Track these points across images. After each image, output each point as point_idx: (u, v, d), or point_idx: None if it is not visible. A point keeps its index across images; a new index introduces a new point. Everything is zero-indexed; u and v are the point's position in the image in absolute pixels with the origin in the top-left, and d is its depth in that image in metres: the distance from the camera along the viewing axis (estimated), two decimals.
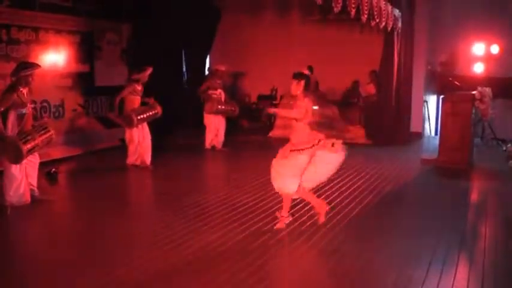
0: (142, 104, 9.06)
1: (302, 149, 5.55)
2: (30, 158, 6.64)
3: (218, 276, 4.60)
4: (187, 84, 13.72)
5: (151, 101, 9.13)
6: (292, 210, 6.56)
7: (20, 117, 6.48)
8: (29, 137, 6.40)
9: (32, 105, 6.76)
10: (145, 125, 9.08)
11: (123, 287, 4.43)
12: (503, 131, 11.60)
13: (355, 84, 13.58)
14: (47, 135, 6.70)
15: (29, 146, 6.35)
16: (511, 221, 6.42)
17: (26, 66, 6.63)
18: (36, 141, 6.48)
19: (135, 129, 8.93)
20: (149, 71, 8.98)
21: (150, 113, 9.02)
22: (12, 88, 6.45)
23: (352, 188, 7.74)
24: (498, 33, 12.15)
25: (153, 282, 4.49)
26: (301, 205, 6.77)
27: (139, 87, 9.00)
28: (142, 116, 8.89)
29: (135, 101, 8.96)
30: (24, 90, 6.50)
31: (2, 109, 6.32)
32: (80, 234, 5.83)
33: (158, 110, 9.06)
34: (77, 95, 10.60)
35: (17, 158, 6.36)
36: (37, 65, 6.79)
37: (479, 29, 12.02)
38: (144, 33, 11.57)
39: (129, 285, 4.45)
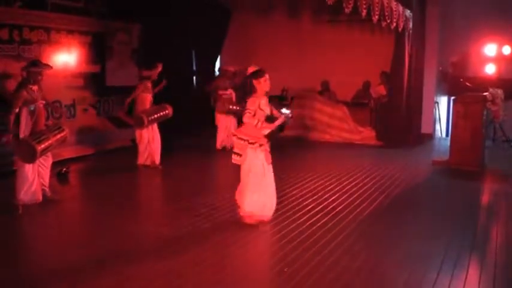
0: (154, 102, 9.11)
1: None
2: (43, 157, 6.67)
3: (227, 277, 4.61)
4: (197, 85, 13.73)
5: (164, 83, 9.19)
6: (302, 215, 6.56)
7: (31, 114, 6.52)
8: (43, 137, 6.44)
9: (44, 102, 6.79)
10: (155, 125, 9.11)
11: (132, 286, 4.45)
12: None
13: (366, 85, 13.54)
14: (61, 134, 6.75)
15: (43, 145, 6.38)
16: None
17: (38, 64, 6.70)
18: (51, 141, 6.52)
19: (144, 129, 8.97)
20: (160, 67, 9.03)
21: (161, 114, 9.02)
22: (22, 85, 6.52)
23: (363, 189, 7.73)
24: (510, 34, 12.08)
25: (162, 281, 4.50)
26: (312, 206, 6.78)
27: (150, 85, 9.06)
28: (152, 117, 8.91)
29: (147, 98, 9.00)
30: (34, 88, 6.55)
31: (17, 110, 6.37)
32: (90, 234, 5.85)
33: (169, 110, 9.06)
34: (89, 95, 10.65)
35: (31, 158, 6.40)
36: (49, 66, 6.87)
37: (491, 30, 11.95)
38: (155, 34, 11.61)
39: (138, 284, 4.46)
